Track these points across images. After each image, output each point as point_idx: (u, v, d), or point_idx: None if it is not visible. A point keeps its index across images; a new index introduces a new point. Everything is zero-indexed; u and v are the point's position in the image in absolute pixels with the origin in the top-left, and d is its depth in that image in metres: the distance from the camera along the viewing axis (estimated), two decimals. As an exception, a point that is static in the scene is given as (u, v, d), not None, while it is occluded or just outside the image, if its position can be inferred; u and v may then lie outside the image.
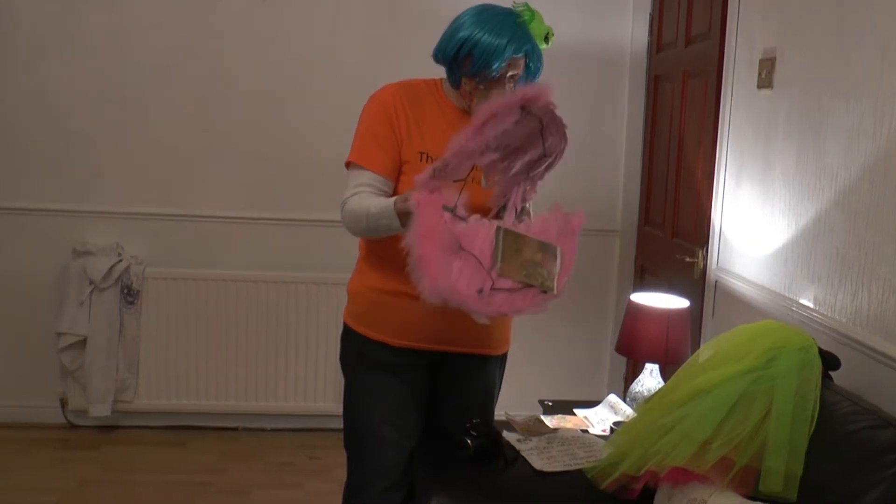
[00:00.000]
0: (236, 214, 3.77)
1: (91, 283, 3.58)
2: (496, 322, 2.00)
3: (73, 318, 3.60)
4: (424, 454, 2.11)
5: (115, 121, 3.70)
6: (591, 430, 2.56)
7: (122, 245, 3.70)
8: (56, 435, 3.67)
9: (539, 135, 1.86)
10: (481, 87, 1.95)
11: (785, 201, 2.44)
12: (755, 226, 2.65)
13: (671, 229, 3.43)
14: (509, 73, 1.96)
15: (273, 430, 3.83)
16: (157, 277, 3.70)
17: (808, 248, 2.31)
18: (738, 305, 2.75)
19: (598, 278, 3.92)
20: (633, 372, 3.82)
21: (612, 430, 2.45)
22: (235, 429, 3.82)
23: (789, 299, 2.38)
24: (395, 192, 2.03)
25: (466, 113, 2.02)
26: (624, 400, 2.79)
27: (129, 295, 3.65)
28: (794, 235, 2.39)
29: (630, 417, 2.35)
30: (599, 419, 2.70)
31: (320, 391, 3.79)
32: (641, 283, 3.78)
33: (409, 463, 2.10)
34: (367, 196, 1.99)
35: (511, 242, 1.78)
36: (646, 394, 2.68)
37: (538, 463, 2.05)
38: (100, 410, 3.62)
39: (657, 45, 3.71)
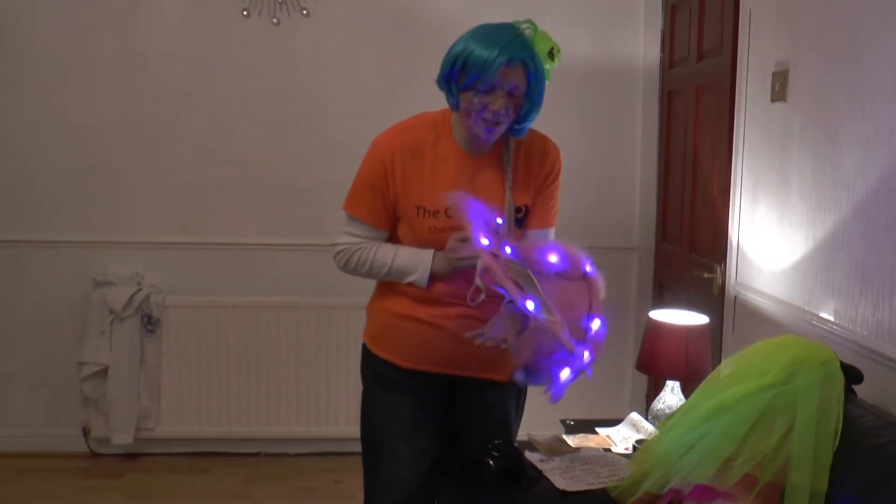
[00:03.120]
0: (254, 241, 3.80)
1: (112, 312, 3.61)
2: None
3: (94, 348, 3.63)
4: (446, 475, 2.11)
5: (133, 151, 3.74)
6: (614, 449, 2.54)
7: (142, 274, 3.73)
8: (79, 464, 3.69)
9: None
10: (476, 99, 1.91)
11: (802, 214, 2.43)
12: (773, 240, 2.64)
13: (688, 245, 3.42)
14: (508, 85, 1.90)
15: (296, 454, 3.83)
16: (177, 306, 3.72)
17: (826, 260, 2.29)
18: (758, 320, 2.73)
19: (616, 296, 3.88)
20: (655, 389, 3.80)
21: (634, 448, 2.44)
22: (258, 454, 3.82)
23: (809, 313, 2.36)
24: (392, 239, 2.09)
25: (470, 156, 2.03)
26: (646, 418, 2.77)
27: (150, 323, 3.67)
28: (812, 248, 2.37)
29: (652, 435, 2.33)
30: (622, 437, 2.68)
31: (342, 414, 3.78)
32: (660, 300, 3.76)
33: (427, 482, 2.10)
34: (384, 247, 2.06)
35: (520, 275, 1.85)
36: (667, 411, 2.66)
37: (561, 483, 2.04)
38: (122, 438, 3.64)
39: (669, 60, 3.71)
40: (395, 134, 2.07)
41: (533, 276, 1.82)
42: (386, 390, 2.12)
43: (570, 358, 1.77)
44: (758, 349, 1.88)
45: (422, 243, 2.02)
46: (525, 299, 1.76)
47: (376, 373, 2.15)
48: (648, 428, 2.67)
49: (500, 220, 1.93)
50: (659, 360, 2.65)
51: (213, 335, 3.75)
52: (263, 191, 3.79)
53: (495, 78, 1.88)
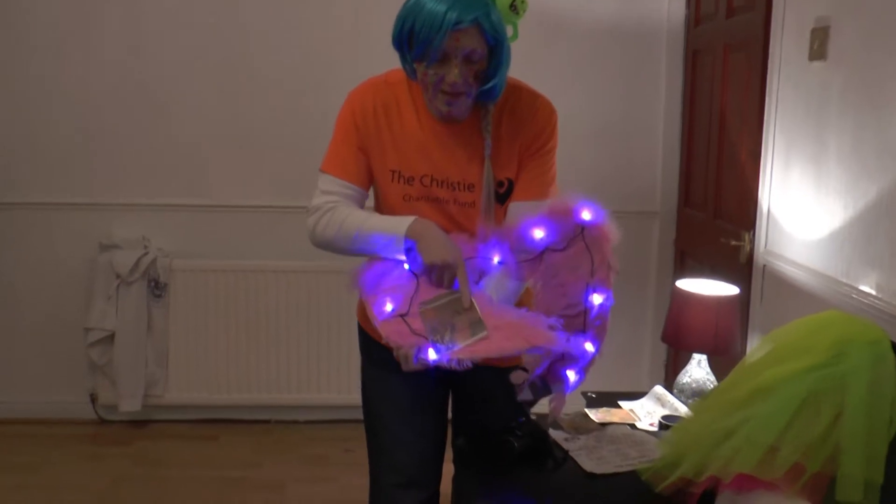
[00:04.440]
0: (264, 203, 3.69)
1: (118, 276, 3.52)
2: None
3: (100, 313, 3.54)
4: (465, 456, 2.02)
5: (139, 112, 3.63)
6: (639, 425, 2.45)
7: (149, 238, 3.64)
8: (87, 430, 3.63)
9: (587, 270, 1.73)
10: (431, 71, 1.68)
11: (841, 181, 2.30)
12: (807, 207, 2.52)
13: (713, 211, 3.29)
14: (462, 51, 1.66)
15: (306, 422, 3.76)
16: (185, 270, 3.63)
17: (867, 230, 2.17)
18: (789, 291, 2.62)
19: (636, 262, 3.79)
20: (674, 360, 3.70)
21: (661, 424, 2.34)
22: (268, 421, 3.76)
23: (848, 286, 2.25)
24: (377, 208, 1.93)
25: (443, 123, 1.82)
26: (671, 391, 2.67)
27: (157, 288, 3.58)
28: (852, 217, 2.25)
29: (684, 415, 2.23)
30: (646, 412, 2.58)
31: (354, 381, 3.59)
32: (682, 267, 3.65)
33: (431, 463, 2.03)
34: (351, 207, 1.85)
35: (457, 303, 1.69)
36: (693, 385, 2.56)
37: (588, 464, 1.95)
38: (130, 405, 3.57)
39: (695, 17, 3.55)
40: (370, 89, 1.87)
41: (472, 299, 1.67)
42: (381, 370, 2.00)
43: (572, 357, 1.65)
44: (799, 326, 1.76)
45: (392, 212, 1.85)
46: (427, 348, 1.62)
47: (370, 352, 2.02)
48: (673, 402, 2.58)
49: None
50: (686, 332, 2.55)
51: (222, 300, 3.66)
52: (271, 153, 3.67)
53: (445, 45, 1.64)
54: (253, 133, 3.66)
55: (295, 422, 3.76)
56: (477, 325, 1.64)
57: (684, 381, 2.62)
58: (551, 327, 1.64)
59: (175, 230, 3.68)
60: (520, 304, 1.81)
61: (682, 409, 2.45)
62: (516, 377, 1.71)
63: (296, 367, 3.72)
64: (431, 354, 1.61)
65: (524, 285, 1.82)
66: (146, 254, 3.56)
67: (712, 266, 3.24)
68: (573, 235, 1.72)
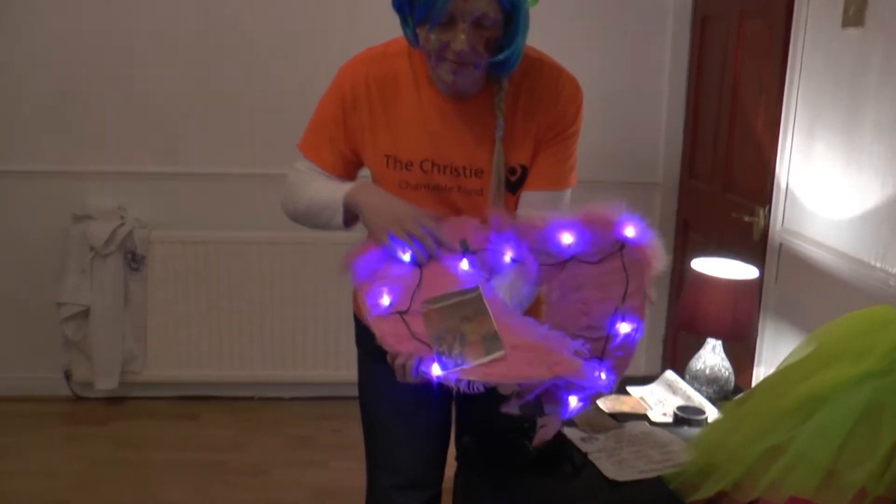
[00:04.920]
0: (247, 171, 3.48)
1: (92, 249, 3.32)
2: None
3: (74, 287, 3.34)
4: (471, 456, 1.87)
5: (116, 77, 3.40)
6: (650, 414, 2.31)
7: (125, 208, 3.43)
8: (62, 408, 3.46)
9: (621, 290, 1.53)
10: (433, 36, 1.48)
11: (879, 156, 2.14)
12: (834, 183, 2.36)
13: (722, 184, 3.13)
14: (470, 16, 1.45)
15: (292, 399, 3.60)
16: (163, 241, 3.43)
17: (907, 212, 2.02)
18: (808, 272, 2.47)
19: (637, 235, 3.63)
20: (674, 341, 3.57)
21: (676, 417, 2.20)
22: (251, 399, 3.59)
23: (883, 271, 2.10)
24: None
25: (450, 100, 1.61)
26: (682, 377, 2.53)
27: (134, 261, 3.38)
28: (891, 196, 2.09)
29: (715, 417, 2.08)
30: (657, 400, 2.44)
31: (342, 358, 3.53)
32: (685, 241, 3.50)
33: (433, 464, 1.88)
34: (318, 177, 1.70)
35: (467, 307, 1.48)
36: (707, 373, 2.42)
37: (610, 470, 1.79)
38: (106, 383, 3.39)
39: (706, -20, 3.36)
40: (363, 62, 1.66)
41: (484, 300, 1.47)
42: (378, 363, 1.81)
43: (581, 382, 1.42)
44: (848, 323, 1.60)
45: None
46: (430, 360, 1.41)
47: (367, 343, 1.84)
48: (686, 390, 2.44)
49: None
50: (702, 316, 2.39)
51: (203, 272, 3.46)
52: (255, 118, 3.45)
53: (450, 6, 1.44)
54: (237, 98, 3.44)
55: (279, 399, 3.60)
56: (492, 340, 1.43)
57: (698, 367, 2.47)
58: (577, 353, 1.43)
59: (153, 200, 3.47)
60: (526, 312, 1.62)
61: (696, 398, 2.32)
62: (504, 387, 1.48)
63: (280, 342, 3.55)
64: (435, 369, 1.41)
65: (537, 291, 1.64)
66: (122, 225, 3.35)
67: (720, 242, 3.09)
68: (610, 251, 1.53)
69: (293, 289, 3.51)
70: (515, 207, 1.67)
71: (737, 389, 2.41)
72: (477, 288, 1.49)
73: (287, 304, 3.52)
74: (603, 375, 1.44)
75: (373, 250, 1.58)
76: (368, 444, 1.93)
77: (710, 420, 2.15)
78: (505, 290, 1.57)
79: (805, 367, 1.57)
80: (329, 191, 1.65)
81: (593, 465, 1.82)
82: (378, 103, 1.63)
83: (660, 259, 1.50)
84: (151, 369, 3.49)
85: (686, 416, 2.17)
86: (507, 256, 1.57)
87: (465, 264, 1.55)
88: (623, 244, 1.52)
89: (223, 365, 3.53)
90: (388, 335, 1.47)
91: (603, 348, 1.48)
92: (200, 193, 3.49)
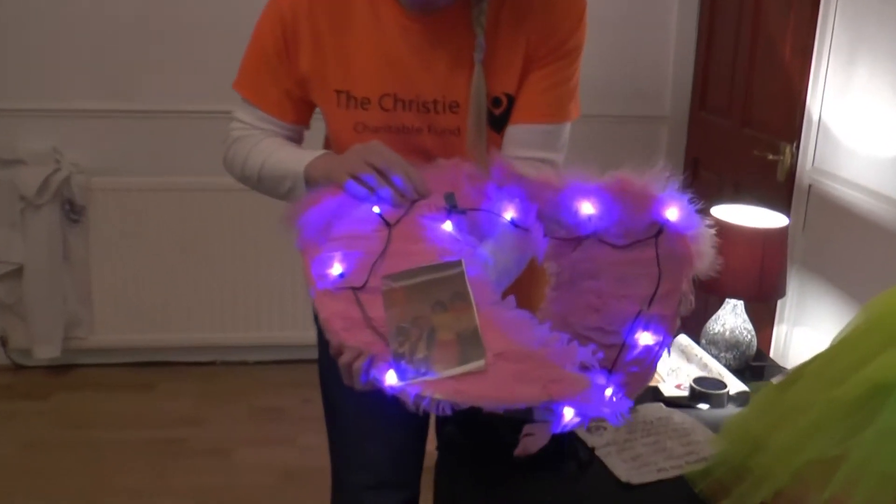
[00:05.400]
0: (198, 108, 3.06)
1: (23, 198, 2.93)
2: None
3: (3, 243, 2.98)
4: (455, 448, 1.55)
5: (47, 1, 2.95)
6: (663, 387, 1.98)
7: (60, 151, 3.01)
8: (-1, 379, 3.10)
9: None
10: None
11: (943, 85, 1.78)
12: (877, 117, 2.02)
13: (740, 117, 2.76)
14: None
15: (257, 363, 3.26)
16: (106, 189, 3.04)
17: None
18: (844, 219, 2.16)
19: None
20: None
21: (693, 390, 1.87)
22: (213, 364, 3.25)
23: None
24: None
25: (415, 18, 1.29)
26: (697, 342, 2.20)
27: (73, 212, 3.01)
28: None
29: (751, 405, 1.74)
30: (669, 369, 2.12)
31: (309, 317, 3.17)
32: (695, 180, 3.14)
33: (407, 462, 1.60)
34: (263, 139, 1.39)
35: (443, 289, 1.11)
36: (727, 336, 2.09)
37: (622, 469, 1.47)
38: (47, 351, 3.04)
39: None
40: None
41: (467, 282, 1.10)
42: None
43: (584, 408, 1.05)
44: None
45: (344, 146, 1.31)
46: (385, 366, 1.06)
47: None
48: (702, 357, 2.11)
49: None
50: (726, 275, 2.03)
51: (152, 223, 3.09)
52: (209, 48, 3.02)
53: None
54: (188, 24, 3.02)
55: (244, 363, 3.26)
56: (470, 341, 1.06)
57: (716, 330, 2.14)
58: (584, 367, 1.06)
59: (93, 142, 3.05)
60: (520, 291, 1.24)
61: (714, 366, 1.99)
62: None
63: (242, 300, 3.19)
64: (390, 378, 1.06)
65: (526, 262, 1.29)
66: (58, 170, 2.95)
67: (737, 184, 2.75)
68: (642, 235, 1.19)
69: (257, 240, 3.13)
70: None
71: (759, 355, 2.10)
72: (459, 262, 1.13)
73: (250, 258, 3.16)
74: (608, 391, 1.08)
75: (327, 199, 1.22)
76: (333, 438, 1.63)
77: (730, 393, 1.84)
78: (492, 253, 1.22)
79: (865, 345, 1.25)
80: (287, 158, 1.33)
81: (601, 462, 1.49)
82: (325, 26, 1.32)
83: (706, 258, 1.14)
84: (98, 334, 3.14)
85: (704, 390, 1.86)
86: (509, 216, 1.21)
87: (448, 226, 1.20)
88: (661, 229, 1.16)
89: (180, 327, 3.18)
90: (334, 318, 1.11)
91: (615, 359, 1.13)
92: (148, 134, 3.08)
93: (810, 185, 2.33)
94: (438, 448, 1.71)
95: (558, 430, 1.09)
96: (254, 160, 1.38)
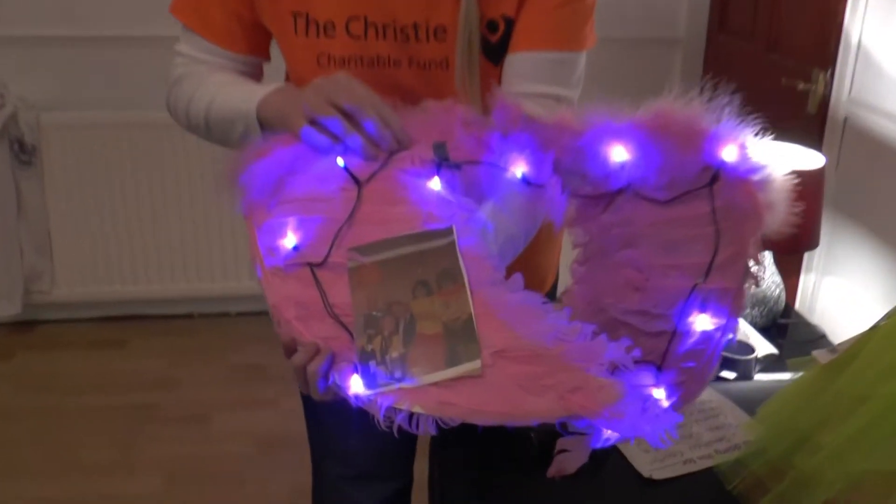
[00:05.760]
0: (161, 33, 2.73)
1: (-35, 141, 2.65)
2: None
3: (-53, 191, 2.70)
4: (463, 453, 1.34)
5: None
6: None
7: (5, 84, 2.70)
8: (-44, 339, 2.87)
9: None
10: None
11: None
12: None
13: (765, 40, 2.49)
14: None
15: (238, 314, 3.04)
16: (59, 126, 2.74)
17: None
18: (884, 156, 1.95)
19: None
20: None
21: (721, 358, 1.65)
22: (189, 316, 3.02)
23: None
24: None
25: None
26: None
27: (23, 152, 2.72)
28: None
29: (794, 385, 1.51)
30: (690, 331, 1.90)
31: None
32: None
33: (392, 454, 1.42)
34: (209, 75, 1.13)
35: (428, 266, 0.87)
36: (755, 291, 1.87)
37: (645, 462, 1.25)
38: (6, 308, 2.81)
39: None
40: None
41: (459, 255, 0.87)
42: None
43: (618, 426, 0.81)
44: None
45: (305, 79, 1.06)
46: (348, 369, 0.83)
47: None
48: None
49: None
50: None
51: (115, 164, 2.80)
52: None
53: None
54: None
55: (225, 314, 3.04)
56: (462, 336, 0.82)
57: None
58: (614, 367, 0.82)
59: (40, 73, 2.75)
60: (529, 268, 0.99)
61: (740, 326, 1.77)
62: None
63: (221, 246, 2.94)
64: (356, 385, 0.82)
65: (555, 232, 1.05)
66: (2, 107, 2.65)
67: (758, 111, 2.48)
68: (693, 185, 0.92)
69: (231, 182, 2.87)
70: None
71: (787, 311, 1.89)
72: (450, 231, 0.89)
73: (224, 201, 2.89)
74: (658, 393, 0.85)
75: (278, 150, 0.97)
76: (313, 429, 1.44)
77: (758, 356, 1.61)
78: (490, 217, 0.97)
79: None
80: (236, 96, 1.07)
81: (620, 453, 1.28)
82: None
83: (779, 210, 0.88)
84: (61, 287, 2.89)
85: (731, 356, 1.64)
86: (518, 171, 0.95)
87: (436, 184, 0.95)
88: (716, 175, 0.90)
89: (152, 277, 2.93)
90: (285, 304, 0.87)
91: (665, 351, 0.88)
92: (104, 63, 2.77)
93: (846, 118, 2.09)
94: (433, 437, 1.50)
95: (598, 446, 0.86)
96: (199, 102, 1.12)
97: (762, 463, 1.15)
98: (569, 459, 1.00)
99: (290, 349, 0.87)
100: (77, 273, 2.89)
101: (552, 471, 1.05)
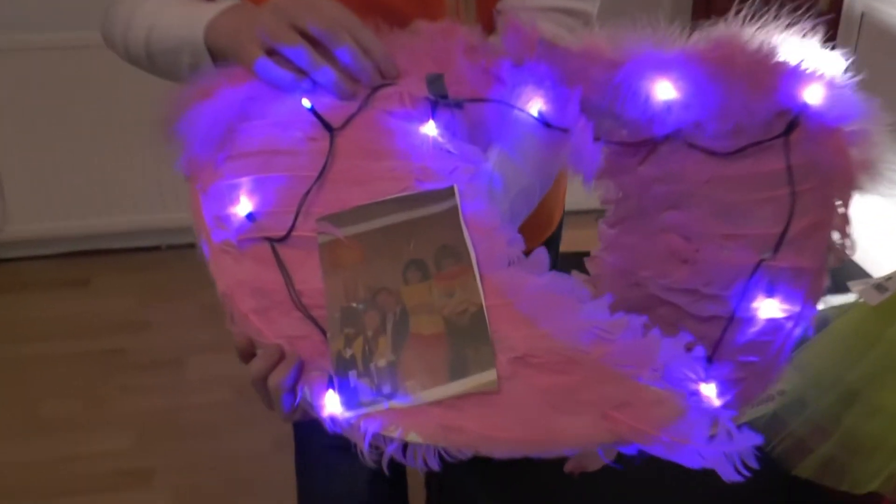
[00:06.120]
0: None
1: None
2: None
3: None
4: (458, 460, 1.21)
5: None
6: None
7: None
8: None
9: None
10: None
11: None
12: None
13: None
14: None
15: (209, 245, 2.86)
16: (2, 49, 2.49)
17: None
18: None
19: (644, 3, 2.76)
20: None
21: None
22: (157, 248, 2.84)
23: None
24: None
25: None
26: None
27: (-39, 80, 2.49)
28: None
29: (837, 335, 1.34)
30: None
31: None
32: (709, 7, 2.66)
33: (380, 493, 1.25)
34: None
35: (423, 239, 0.69)
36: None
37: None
38: (-44, 249, 2.62)
39: None
40: None
41: (463, 222, 0.68)
42: None
43: (673, 452, 0.62)
44: None
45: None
46: (321, 384, 0.65)
47: None
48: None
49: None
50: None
51: (65, 88, 2.57)
52: None
53: None
54: None
55: (195, 246, 2.84)
56: (471, 336, 0.65)
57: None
58: (659, 370, 0.64)
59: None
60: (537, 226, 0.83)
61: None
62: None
63: (186, 173, 2.74)
64: (331, 403, 0.64)
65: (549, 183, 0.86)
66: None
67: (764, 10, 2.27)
68: (763, 134, 0.72)
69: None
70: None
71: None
72: (451, 191, 0.71)
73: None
74: (709, 390, 0.67)
75: (226, 89, 0.77)
76: (300, 469, 1.28)
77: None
78: (497, 167, 0.78)
79: None
80: (180, 20, 0.87)
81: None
82: None
83: (875, 168, 0.68)
84: (15, 224, 2.69)
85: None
86: (534, 109, 0.76)
87: (431, 129, 0.75)
88: (795, 122, 0.70)
89: (114, 209, 2.74)
90: (239, 291, 0.70)
91: (718, 340, 0.70)
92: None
93: (863, 14, 1.98)
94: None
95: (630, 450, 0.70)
96: (137, 29, 0.91)
97: (803, 420, 1.00)
98: (588, 457, 0.85)
99: (247, 353, 0.69)
100: (32, 207, 2.69)
101: (570, 466, 0.91)
